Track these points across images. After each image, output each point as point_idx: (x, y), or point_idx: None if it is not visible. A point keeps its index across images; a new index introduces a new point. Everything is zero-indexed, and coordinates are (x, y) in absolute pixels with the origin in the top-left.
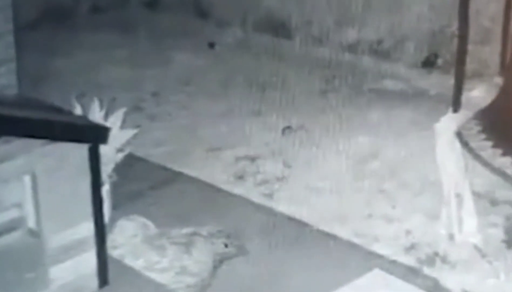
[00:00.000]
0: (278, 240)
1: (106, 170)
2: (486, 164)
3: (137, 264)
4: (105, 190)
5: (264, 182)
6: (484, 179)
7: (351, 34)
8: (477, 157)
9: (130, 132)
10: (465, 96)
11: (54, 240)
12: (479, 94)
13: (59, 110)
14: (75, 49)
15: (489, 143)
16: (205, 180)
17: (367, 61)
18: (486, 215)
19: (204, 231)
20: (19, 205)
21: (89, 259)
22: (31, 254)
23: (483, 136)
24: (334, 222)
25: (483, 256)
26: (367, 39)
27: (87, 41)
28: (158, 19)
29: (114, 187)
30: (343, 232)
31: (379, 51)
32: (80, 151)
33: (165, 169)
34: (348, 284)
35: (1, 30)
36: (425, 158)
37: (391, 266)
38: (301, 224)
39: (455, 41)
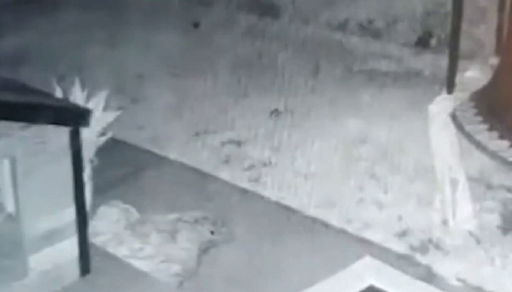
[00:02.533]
0: (265, 226)
1: (88, 154)
2: (481, 147)
3: (120, 251)
4: (87, 174)
5: (251, 166)
6: (480, 163)
7: (340, 13)
8: (472, 140)
9: (112, 115)
10: (459, 77)
11: (34, 226)
12: (474, 75)
13: (39, 92)
14: (55, 30)
15: (485, 126)
16: (190, 165)
17: (357, 41)
18: (482, 200)
19: (189, 217)
20: None
21: (70, 246)
22: (9, 241)
23: (478, 119)
24: (324, 207)
25: (478, 242)
26: (357, 18)
27: (68, 22)
28: None
29: (96, 171)
30: (332, 218)
31: (370, 31)
32: (61, 134)
33: (148, 153)
34: (338, 272)
35: None
36: (418, 141)
37: (383, 253)
38: (289, 210)
39: (449, 20)
